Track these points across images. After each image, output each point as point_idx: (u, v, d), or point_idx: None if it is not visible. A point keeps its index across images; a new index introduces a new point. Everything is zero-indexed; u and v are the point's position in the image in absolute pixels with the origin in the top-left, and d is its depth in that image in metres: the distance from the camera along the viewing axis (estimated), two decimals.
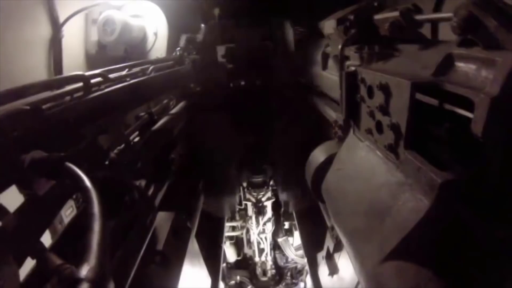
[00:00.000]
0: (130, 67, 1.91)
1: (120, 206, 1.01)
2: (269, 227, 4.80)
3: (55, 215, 0.89)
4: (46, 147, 0.79)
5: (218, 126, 2.38)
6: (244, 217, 4.87)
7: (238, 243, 5.31)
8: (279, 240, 4.89)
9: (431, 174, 0.63)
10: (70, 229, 0.92)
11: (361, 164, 0.99)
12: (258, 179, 4.00)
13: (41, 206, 0.81)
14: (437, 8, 1.06)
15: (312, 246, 2.71)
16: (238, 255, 5.34)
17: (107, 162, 1.18)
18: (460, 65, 0.68)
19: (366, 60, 1.06)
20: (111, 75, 1.57)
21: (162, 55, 3.89)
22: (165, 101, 2.42)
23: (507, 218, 0.63)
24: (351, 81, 1.01)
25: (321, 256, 2.39)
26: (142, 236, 1.06)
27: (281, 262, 5.35)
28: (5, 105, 0.87)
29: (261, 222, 4.71)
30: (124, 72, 1.76)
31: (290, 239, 4.81)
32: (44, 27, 3.06)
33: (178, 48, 3.39)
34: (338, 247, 1.99)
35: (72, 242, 0.83)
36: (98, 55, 3.83)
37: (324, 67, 1.93)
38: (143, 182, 1.47)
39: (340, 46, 1.21)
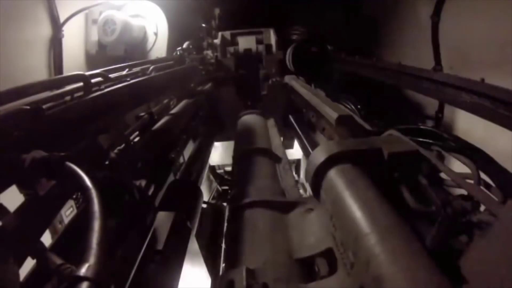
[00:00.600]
0: (130, 67, 1.91)
1: (120, 206, 1.01)
2: None
3: (55, 215, 0.89)
4: (46, 147, 0.79)
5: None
6: None
7: None
8: None
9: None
10: (70, 229, 0.92)
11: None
12: None
13: (41, 206, 0.81)
14: (437, 10, 1.06)
15: None
16: None
17: (107, 162, 1.18)
18: None
19: None
20: (111, 75, 1.57)
21: (162, 55, 3.89)
22: (165, 101, 2.42)
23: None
24: None
25: None
26: (142, 236, 1.05)
27: None
28: (5, 105, 0.88)
29: None
30: (124, 72, 1.77)
31: None
32: (45, 27, 3.06)
33: (179, 48, 3.40)
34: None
35: (72, 242, 0.83)
36: (98, 55, 3.83)
37: None
38: (143, 182, 1.47)
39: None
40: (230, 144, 4.16)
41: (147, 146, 1.56)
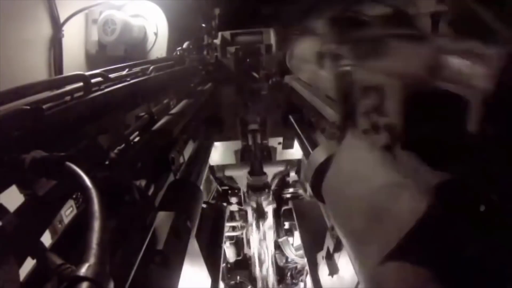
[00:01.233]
0: (130, 67, 1.91)
1: (120, 206, 1.01)
2: (270, 235, 4.67)
3: (55, 215, 0.90)
4: (46, 147, 0.79)
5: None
6: (244, 217, 4.84)
7: (238, 243, 5.28)
8: (279, 240, 4.86)
9: (428, 174, 0.64)
10: (70, 229, 0.93)
11: (360, 165, 0.99)
12: (259, 182, 3.99)
13: (41, 206, 0.82)
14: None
15: (312, 246, 2.71)
16: (238, 255, 5.33)
17: (107, 162, 1.18)
18: (455, 61, 0.67)
19: (360, 59, 1.06)
20: (111, 75, 1.57)
21: (163, 55, 3.89)
22: (165, 101, 2.42)
23: (506, 218, 0.63)
24: (345, 81, 1.01)
25: (321, 256, 2.39)
26: (142, 236, 1.06)
27: (281, 263, 5.33)
28: (5, 105, 0.88)
29: (262, 229, 4.64)
30: (124, 72, 1.77)
31: (290, 239, 4.78)
32: (45, 26, 3.06)
33: (179, 48, 3.40)
34: (338, 247, 1.99)
35: (72, 242, 0.83)
36: (98, 55, 3.83)
37: (321, 66, 1.93)
38: (143, 182, 1.48)
39: (334, 45, 1.21)
40: (230, 144, 4.16)
41: (147, 146, 1.56)
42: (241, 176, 4.42)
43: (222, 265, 3.51)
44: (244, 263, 5.46)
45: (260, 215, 4.55)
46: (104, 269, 0.52)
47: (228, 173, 4.84)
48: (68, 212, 1.34)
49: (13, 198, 0.77)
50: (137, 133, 1.62)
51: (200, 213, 1.92)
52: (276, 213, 4.84)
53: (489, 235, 0.63)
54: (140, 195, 1.13)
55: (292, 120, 3.44)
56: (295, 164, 4.84)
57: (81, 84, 1.23)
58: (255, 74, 3.73)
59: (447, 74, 0.67)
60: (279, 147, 4.25)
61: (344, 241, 0.97)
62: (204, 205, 2.78)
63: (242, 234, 5.15)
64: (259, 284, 5.01)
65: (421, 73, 0.72)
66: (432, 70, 0.70)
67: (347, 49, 1.11)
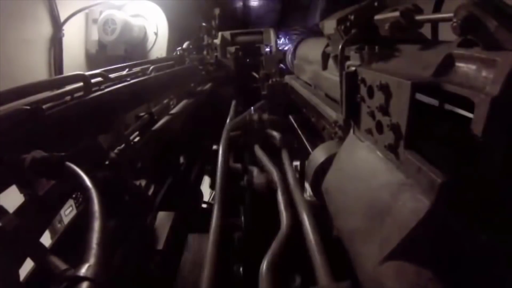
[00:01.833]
0: (130, 67, 1.91)
1: (120, 206, 1.01)
2: None
3: (55, 215, 0.89)
4: (46, 147, 0.79)
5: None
6: None
7: None
8: None
9: (431, 174, 0.63)
10: (70, 229, 0.92)
11: (361, 164, 0.99)
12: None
13: (41, 206, 0.81)
14: (436, 9, 1.06)
15: None
16: None
17: (107, 162, 1.18)
18: (460, 65, 0.68)
19: (366, 60, 1.06)
20: (111, 75, 1.57)
21: (163, 54, 3.89)
22: (165, 101, 2.42)
23: (507, 218, 0.63)
24: (351, 81, 1.01)
25: None
26: (142, 236, 1.05)
27: None
28: (5, 105, 0.87)
29: None
30: (124, 72, 1.76)
31: None
32: (45, 26, 3.06)
33: (179, 48, 3.40)
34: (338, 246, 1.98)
35: (72, 242, 0.83)
36: (98, 55, 3.83)
37: (324, 67, 1.93)
38: (143, 182, 1.47)
39: (340, 46, 1.21)
40: None
41: (147, 146, 1.56)
42: None
43: None
44: None
45: None
46: (104, 269, 0.52)
47: None
48: (67, 211, 1.34)
49: (13, 198, 0.76)
50: (137, 133, 1.62)
51: (200, 213, 1.92)
52: None
53: (491, 235, 0.63)
54: (140, 195, 1.13)
55: (292, 120, 3.44)
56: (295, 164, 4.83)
57: (81, 84, 1.23)
58: (255, 74, 3.73)
59: (453, 77, 0.67)
60: None
61: (344, 240, 0.97)
62: (204, 205, 2.77)
63: None
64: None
65: (428, 75, 0.72)
66: (439, 73, 0.70)
67: (354, 50, 1.11)
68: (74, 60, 3.51)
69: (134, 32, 3.90)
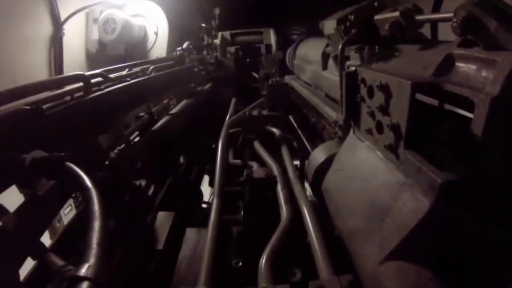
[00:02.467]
0: (130, 67, 1.91)
1: (120, 206, 1.01)
2: None
3: (55, 215, 0.89)
4: (46, 147, 0.79)
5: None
6: None
7: None
8: None
9: (431, 174, 0.63)
10: (70, 229, 0.93)
11: (361, 164, 0.99)
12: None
13: (41, 206, 0.81)
14: (435, 9, 1.06)
15: None
16: None
17: (107, 162, 1.18)
18: (460, 65, 0.68)
19: (367, 60, 1.06)
20: (111, 75, 1.57)
21: (163, 54, 3.89)
22: (165, 101, 2.42)
23: (507, 219, 0.63)
24: (351, 81, 1.01)
25: None
26: (142, 236, 1.05)
27: None
28: (5, 105, 0.88)
29: None
30: (124, 72, 1.76)
31: None
32: (45, 25, 3.06)
33: (179, 48, 3.40)
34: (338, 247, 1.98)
35: (72, 242, 0.83)
36: (98, 54, 3.83)
37: (324, 67, 1.93)
38: (143, 182, 1.47)
39: (340, 46, 1.21)
40: None
41: (147, 146, 1.56)
42: None
43: None
44: None
45: None
46: (104, 269, 0.52)
47: None
48: (67, 210, 1.34)
49: (13, 198, 0.76)
50: (137, 133, 1.62)
51: (200, 213, 1.92)
52: None
53: (492, 235, 0.63)
54: (140, 195, 1.13)
55: (292, 120, 3.43)
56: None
57: (81, 84, 1.23)
58: (255, 74, 3.73)
59: (453, 77, 0.68)
60: None
61: (344, 240, 0.97)
62: (204, 205, 2.78)
63: None
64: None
65: (428, 75, 0.72)
66: (439, 73, 0.70)
67: (354, 50, 1.11)
68: (74, 59, 3.52)
69: (135, 31, 3.90)
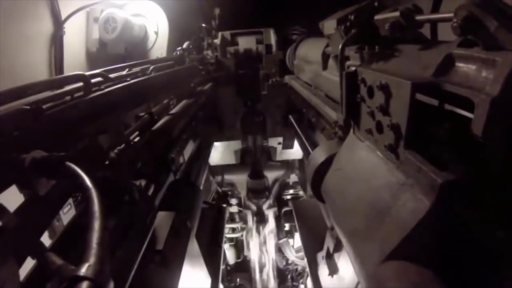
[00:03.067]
0: (130, 67, 1.91)
1: (120, 206, 1.01)
2: (271, 240, 4.64)
3: (55, 215, 0.89)
4: (46, 147, 0.79)
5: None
6: (244, 218, 4.83)
7: (238, 245, 5.27)
8: (280, 242, 4.85)
9: (431, 174, 0.63)
10: (70, 229, 0.92)
11: (361, 164, 0.99)
12: (259, 185, 3.98)
13: (41, 206, 0.81)
14: (435, 9, 1.06)
15: (312, 246, 2.71)
16: (238, 257, 5.31)
17: (107, 162, 1.18)
18: (460, 65, 0.68)
19: (367, 60, 1.06)
20: (111, 75, 1.57)
21: (163, 54, 3.89)
22: (165, 101, 2.42)
23: (507, 218, 0.63)
24: (351, 81, 1.01)
25: (321, 256, 2.39)
26: (142, 236, 1.06)
27: (281, 265, 5.31)
28: (5, 105, 0.88)
29: (262, 233, 4.61)
30: (124, 72, 1.76)
31: (290, 240, 4.77)
32: (46, 23, 3.07)
33: (179, 48, 3.40)
34: (338, 247, 1.99)
35: (72, 242, 0.83)
36: (99, 53, 3.84)
37: (324, 67, 1.93)
38: (143, 182, 1.47)
39: (340, 46, 1.21)
40: (230, 144, 4.16)
41: (147, 146, 1.56)
42: (241, 180, 4.41)
43: (222, 266, 3.51)
44: (244, 266, 5.45)
45: (261, 219, 4.54)
46: (104, 269, 0.52)
47: (228, 176, 4.83)
48: (66, 209, 1.34)
49: (13, 198, 0.76)
50: (137, 133, 1.62)
51: (200, 213, 1.92)
52: (277, 215, 4.83)
53: (492, 235, 0.63)
54: (140, 195, 1.13)
55: (292, 120, 3.44)
56: (295, 165, 4.85)
57: (81, 84, 1.23)
58: (255, 74, 3.74)
59: (453, 77, 0.68)
60: (279, 147, 4.25)
61: (344, 241, 0.97)
62: (204, 205, 2.78)
63: (242, 236, 5.14)
64: (259, 286, 5.00)
65: (428, 75, 0.72)
66: (439, 73, 0.70)
67: (354, 50, 1.11)
68: (74, 58, 3.52)
69: (135, 31, 3.90)
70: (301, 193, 4.91)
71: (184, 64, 2.96)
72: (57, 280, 0.57)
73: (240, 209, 4.77)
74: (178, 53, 3.33)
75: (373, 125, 0.90)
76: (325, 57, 1.90)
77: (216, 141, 3.81)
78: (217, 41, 3.88)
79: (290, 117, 3.54)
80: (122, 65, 1.91)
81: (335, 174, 1.16)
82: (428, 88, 0.71)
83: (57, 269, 0.58)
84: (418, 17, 0.89)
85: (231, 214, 4.93)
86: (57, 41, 3.12)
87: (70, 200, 1.29)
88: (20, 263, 0.68)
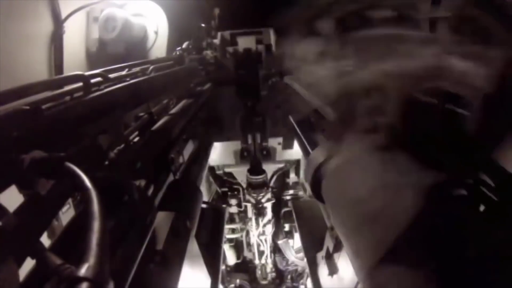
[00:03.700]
0: (130, 67, 1.91)
1: (120, 206, 1.01)
2: (269, 229, 4.76)
3: (54, 215, 0.89)
4: (46, 147, 0.79)
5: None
6: (244, 219, 4.84)
7: (237, 246, 5.27)
8: (279, 242, 4.85)
9: (430, 174, 0.64)
10: (70, 229, 0.93)
11: (360, 165, 0.99)
12: (258, 180, 3.99)
13: (41, 206, 0.81)
14: (435, 3, 1.06)
15: (311, 246, 2.71)
16: (238, 258, 5.31)
17: (107, 162, 1.18)
18: (457, 63, 0.68)
19: (363, 59, 1.06)
20: (111, 75, 1.57)
21: (162, 54, 3.90)
22: (165, 101, 2.42)
23: (507, 218, 0.63)
24: (347, 81, 1.01)
25: (320, 256, 2.39)
26: (142, 236, 1.06)
27: (281, 266, 5.32)
28: (5, 105, 0.88)
29: (261, 224, 4.67)
30: (124, 72, 1.76)
31: (290, 241, 4.78)
32: (46, 22, 3.07)
33: (179, 48, 3.40)
34: (337, 247, 1.99)
35: (72, 242, 0.83)
36: (98, 53, 3.84)
37: (321, 66, 1.92)
38: (143, 182, 1.47)
39: (335, 46, 1.21)
40: (230, 144, 4.16)
41: (147, 146, 1.56)
42: (241, 172, 4.44)
43: (222, 267, 3.51)
44: (243, 266, 5.46)
45: (260, 212, 4.57)
46: (104, 269, 0.52)
47: (228, 170, 4.85)
48: (64, 209, 1.33)
49: (13, 198, 0.76)
50: (137, 133, 1.62)
51: (199, 213, 1.92)
52: (276, 215, 4.84)
53: (488, 235, 0.63)
54: (140, 195, 1.13)
55: (292, 120, 3.44)
56: (295, 164, 4.85)
57: (80, 84, 1.23)
58: (255, 74, 3.73)
59: (450, 75, 0.68)
60: (279, 147, 4.25)
61: (343, 241, 0.97)
62: (204, 205, 2.78)
63: (241, 236, 5.14)
64: (258, 272, 5.03)
65: (424, 73, 0.72)
66: (433, 71, 0.70)
67: (349, 49, 1.11)
68: (74, 57, 3.52)
69: (135, 30, 3.91)
70: (300, 193, 4.91)
71: (184, 64, 2.96)
72: (57, 280, 0.57)
73: (240, 209, 4.78)
74: (178, 53, 3.33)
75: (371, 124, 0.90)
76: (322, 56, 1.90)
77: (216, 141, 3.81)
78: (216, 41, 3.88)
79: (290, 117, 3.53)
80: (121, 65, 1.91)
81: (335, 174, 1.16)
82: (425, 87, 0.71)
83: (56, 269, 0.58)
84: (416, 16, 0.89)
85: (231, 214, 4.93)
86: (57, 40, 3.12)
87: (69, 200, 1.29)
88: (20, 263, 0.68)
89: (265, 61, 3.75)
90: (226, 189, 4.94)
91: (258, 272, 5.39)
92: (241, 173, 4.52)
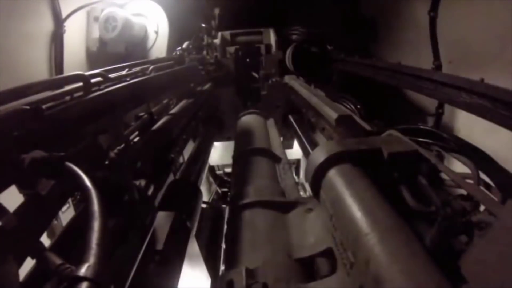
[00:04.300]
0: (130, 66, 1.91)
1: (120, 206, 1.01)
2: None
3: (55, 215, 0.89)
4: (46, 147, 0.79)
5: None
6: None
7: None
8: None
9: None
10: (70, 229, 0.93)
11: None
12: None
13: (41, 206, 0.81)
14: (434, 5, 1.04)
15: None
16: None
17: (107, 162, 1.18)
18: None
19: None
20: (111, 75, 1.57)
21: (163, 54, 3.89)
22: (165, 101, 2.42)
23: None
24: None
25: None
26: (142, 236, 1.05)
27: None
28: (5, 105, 0.88)
29: None
30: (124, 72, 1.76)
31: None
32: (46, 21, 3.08)
33: (179, 48, 3.40)
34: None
35: (72, 242, 0.83)
36: (99, 52, 3.84)
37: None
38: (143, 182, 1.47)
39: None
40: (230, 144, 4.16)
41: (147, 146, 1.56)
42: None
43: (222, 267, 3.50)
44: None
45: None
46: (104, 269, 0.52)
47: (228, 170, 4.85)
48: (64, 208, 1.33)
49: (13, 198, 0.76)
50: (137, 133, 1.62)
51: (200, 213, 1.92)
52: None
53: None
54: (140, 195, 1.13)
55: (292, 120, 3.44)
56: (295, 164, 4.85)
57: (81, 84, 1.23)
58: (255, 74, 3.73)
59: None
60: None
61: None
62: (204, 205, 2.78)
63: None
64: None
65: None
66: None
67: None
68: (74, 56, 3.52)
69: (135, 30, 3.91)
70: (301, 193, 4.90)
71: (184, 64, 2.96)
72: (57, 280, 0.57)
73: None
74: (178, 53, 3.33)
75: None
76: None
77: (216, 141, 3.81)
78: (216, 41, 3.88)
79: (290, 117, 3.53)
80: (122, 65, 1.91)
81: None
82: None
83: (56, 269, 0.58)
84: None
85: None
86: (57, 40, 3.12)
87: (69, 199, 1.29)
88: (20, 263, 0.68)
89: (265, 60, 3.74)
90: (226, 189, 4.94)
91: None
92: None
